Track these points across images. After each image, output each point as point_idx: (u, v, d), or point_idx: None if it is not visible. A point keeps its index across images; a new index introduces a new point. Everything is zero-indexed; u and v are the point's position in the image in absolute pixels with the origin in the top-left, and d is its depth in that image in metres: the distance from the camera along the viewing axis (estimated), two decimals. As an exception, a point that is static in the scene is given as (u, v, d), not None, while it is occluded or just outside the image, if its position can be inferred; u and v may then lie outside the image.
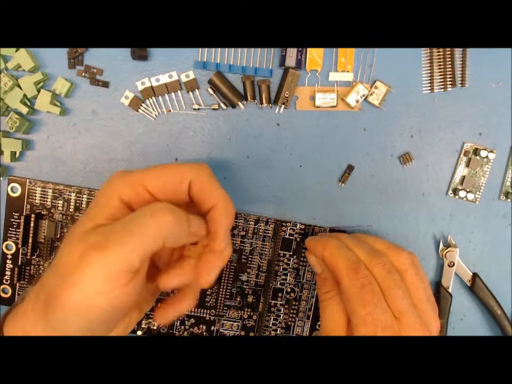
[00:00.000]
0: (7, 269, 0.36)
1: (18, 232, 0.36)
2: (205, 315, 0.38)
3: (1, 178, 0.36)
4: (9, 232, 0.36)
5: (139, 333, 0.36)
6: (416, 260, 0.30)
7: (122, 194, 0.23)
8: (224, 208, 0.25)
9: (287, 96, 0.36)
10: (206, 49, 0.35)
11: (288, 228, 0.37)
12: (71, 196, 0.36)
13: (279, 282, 0.37)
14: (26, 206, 0.36)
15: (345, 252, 0.30)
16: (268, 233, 0.37)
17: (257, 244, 0.37)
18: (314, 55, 0.36)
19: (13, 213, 0.36)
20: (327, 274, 0.32)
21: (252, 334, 0.38)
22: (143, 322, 0.37)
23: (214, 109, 0.36)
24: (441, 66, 0.37)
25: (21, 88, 0.34)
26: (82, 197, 0.36)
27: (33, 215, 0.35)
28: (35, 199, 0.36)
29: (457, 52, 0.37)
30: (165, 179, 0.24)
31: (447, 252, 0.37)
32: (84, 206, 0.36)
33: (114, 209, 0.23)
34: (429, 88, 0.37)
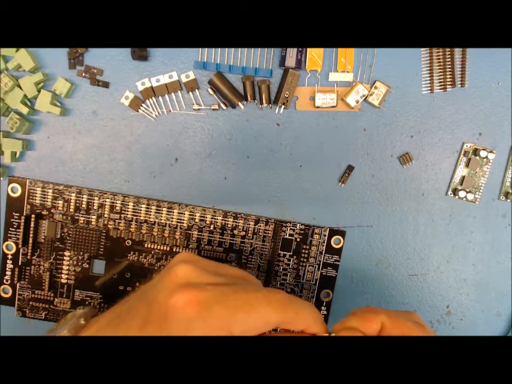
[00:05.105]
0: (7, 269, 0.37)
1: (19, 232, 0.36)
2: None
3: (1, 178, 0.36)
4: (9, 232, 0.36)
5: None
6: None
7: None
8: (316, 328, 0.24)
9: (287, 96, 0.36)
10: (206, 49, 0.35)
11: (288, 228, 0.37)
12: (71, 196, 0.36)
13: (279, 283, 0.37)
14: (26, 206, 0.36)
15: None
16: (268, 233, 0.37)
17: (257, 244, 0.37)
18: (314, 55, 0.36)
19: (13, 213, 0.36)
20: None
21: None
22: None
23: (214, 109, 0.36)
24: (441, 67, 0.37)
25: (21, 89, 0.34)
26: (82, 197, 0.36)
27: (33, 215, 0.35)
28: (35, 199, 0.36)
29: (457, 52, 0.37)
30: (252, 325, 0.22)
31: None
32: (84, 206, 0.36)
33: None
34: (429, 88, 0.37)
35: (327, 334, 0.24)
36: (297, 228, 0.37)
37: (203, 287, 0.22)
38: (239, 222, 0.37)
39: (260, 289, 0.23)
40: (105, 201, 0.36)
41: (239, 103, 0.36)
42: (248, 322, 0.21)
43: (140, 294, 0.24)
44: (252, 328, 0.22)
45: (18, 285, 0.37)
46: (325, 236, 0.37)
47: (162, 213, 0.36)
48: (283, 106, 0.36)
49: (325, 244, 0.37)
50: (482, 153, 0.37)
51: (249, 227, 0.37)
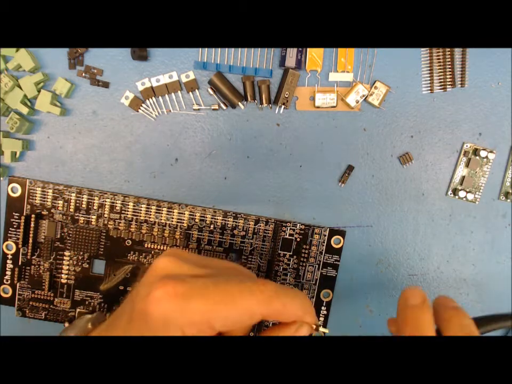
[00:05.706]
0: (7, 269, 0.37)
1: (19, 232, 0.36)
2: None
3: (1, 178, 0.36)
4: (9, 232, 0.36)
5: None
6: None
7: (186, 332, 0.20)
8: (307, 319, 0.23)
9: (287, 96, 0.36)
10: (206, 49, 0.35)
11: (288, 228, 0.37)
12: (71, 196, 0.36)
13: (279, 282, 0.37)
14: (26, 206, 0.36)
15: None
16: (268, 233, 0.37)
17: (257, 243, 0.37)
18: (314, 55, 0.36)
19: (13, 213, 0.36)
20: None
21: (252, 334, 0.38)
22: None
23: (214, 109, 0.36)
24: (441, 67, 0.37)
25: (21, 89, 0.34)
26: (82, 197, 0.36)
27: (33, 215, 0.35)
28: (35, 199, 0.36)
29: (457, 52, 0.37)
30: (234, 319, 0.21)
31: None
32: (84, 206, 0.36)
33: None
34: (429, 88, 0.37)
35: (315, 326, 0.23)
36: (297, 227, 0.37)
37: (182, 279, 0.21)
38: (239, 222, 0.37)
39: (243, 281, 0.22)
40: (105, 201, 0.36)
41: (239, 103, 0.36)
42: (229, 316, 0.20)
43: (131, 293, 0.24)
44: (234, 322, 0.21)
45: (18, 285, 0.37)
46: (325, 235, 0.37)
47: (162, 213, 0.36)
48: (283, 106, 0.36)
49: (325, 244, 0.37)
50: (482, 153, 0.37)
51: (249, 227, 0.37)
